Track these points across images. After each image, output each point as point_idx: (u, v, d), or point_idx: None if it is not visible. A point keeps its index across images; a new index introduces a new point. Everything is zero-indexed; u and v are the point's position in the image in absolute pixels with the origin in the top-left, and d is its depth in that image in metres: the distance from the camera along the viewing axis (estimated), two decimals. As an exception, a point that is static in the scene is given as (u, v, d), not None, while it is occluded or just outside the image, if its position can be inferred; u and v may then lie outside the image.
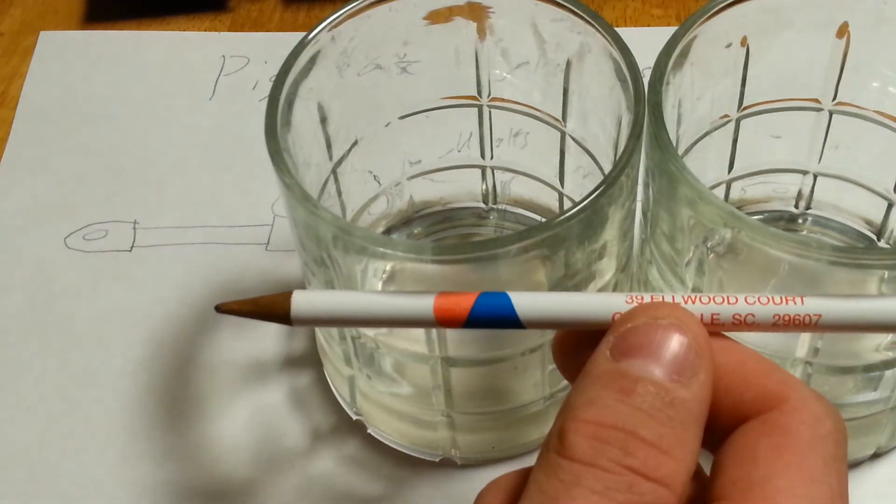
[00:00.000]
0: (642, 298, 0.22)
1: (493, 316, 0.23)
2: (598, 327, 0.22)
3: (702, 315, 0.22)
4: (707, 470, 0.22)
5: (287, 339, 0.39)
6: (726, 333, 0.23)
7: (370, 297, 0.23)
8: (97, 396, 0.38)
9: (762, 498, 0.20)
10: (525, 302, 0.23)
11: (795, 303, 0.23)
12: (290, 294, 0.23)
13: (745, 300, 0.23)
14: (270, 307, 0.23)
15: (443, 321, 0.23)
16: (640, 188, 0.31)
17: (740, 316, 0.22)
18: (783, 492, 0.20)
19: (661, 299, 0.22)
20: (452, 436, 0.35)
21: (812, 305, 0.23)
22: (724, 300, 0.23)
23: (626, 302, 0.22)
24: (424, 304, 0.23)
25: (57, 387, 0.39)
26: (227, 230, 0.43)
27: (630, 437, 0.20)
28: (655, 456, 0.20)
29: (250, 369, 0.39)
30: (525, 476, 0.21)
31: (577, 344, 0.23)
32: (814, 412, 0.21)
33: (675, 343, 0.21)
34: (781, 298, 0.23)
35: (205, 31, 0.50)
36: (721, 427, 0.22)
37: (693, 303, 0.22)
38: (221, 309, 0.23)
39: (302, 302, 0.23)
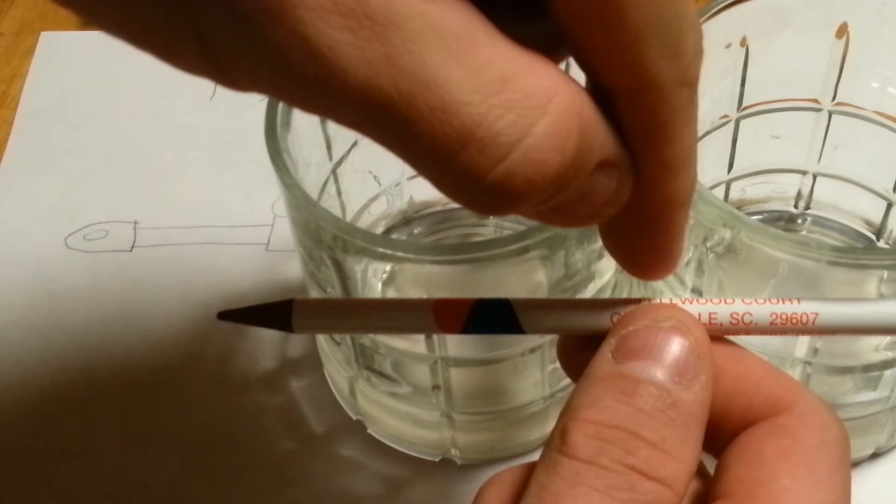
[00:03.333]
0: (641, 302, 0.22)
1: (494, 321, 0.23)
2: (598, 332, 0.22)
3: (700, 315, 0.22)
4: (710, 469, 0.22)
5: (287, 340, 0.39)
6: (732, 340, 0.23)
7: (371, 304, 0.23)
8: (97, 397, 0.38)
9: (768, 497, 0.20)
10: (526, 307, 0.23)
11: (792, 303, 0.23)
12: (291, 301, 0.23)
13: (742, 301, 0.23)
14: (272, 314, 0.23)
15: (444, 327, 0.23)
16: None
17: (738, 315, 0.22)
18: (789, 492, 0.20)
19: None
20: (452, 436, 0.35)
21: (809, 305, 0.23)
22: (721, 301, 0.23)
23: (626, 304, 0.22)
24: (424, 311, 0.23)
25: (56, 387, 0.39)
26: (228, 230, 0.43)
27: (632, 437, 0.20)
28: (657, 456, 0.20)
29: (250, 369, 0.39)
30: (528, 471, 0.21)
31: (582, 346, 0.23)
32: (821, 418, 0.21)
33: (676, 345, 0.21)
34: (778, 300, 0.23)
35: (205, 31, 0.50)
36: (728, 431, 0.22)
37: (691, 303, 0.22)
38: (224, 317, 0.23)
39: (303, 309, 0.23)
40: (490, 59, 0.17)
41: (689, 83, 0.19)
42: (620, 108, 0.19)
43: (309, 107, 0.17)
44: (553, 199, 0.18)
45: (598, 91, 0.19)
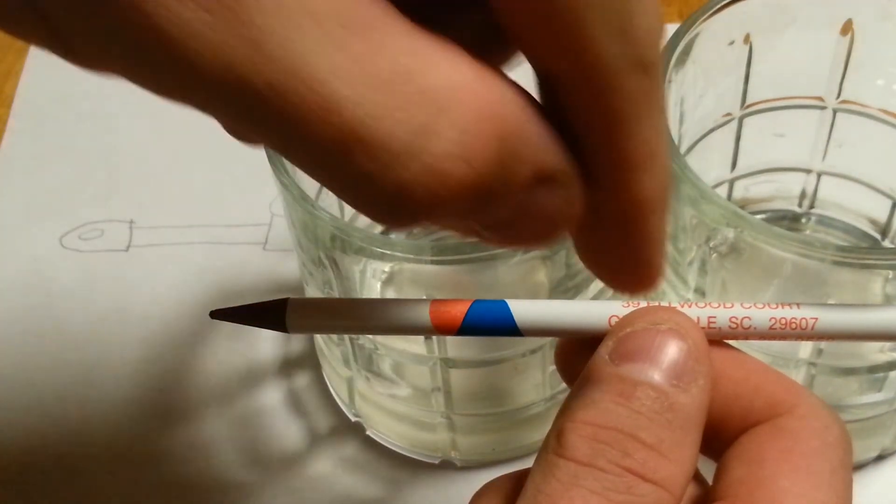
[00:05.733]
0: (639, 305, 0.22)
1: (491, 323, 0.23)
2: (595, 334, 0.22)
3: (698, 318, 0.22)
4: (707, 475, 0.22)
5: (285, 340, 0.39)
6: (732, 343, 0.23)
7: (366, 304, 0.23)
8: (93, 397, 0.38)
9: (767, 498, 0.20)
10: (523, 309, 0.23)
11: (791, 308, 0.22)
12: (285, 300, 0.23)
13: (742, 305, 0.22)
14: (266, 314, 0.23)
15: (440, 328, 0.23)
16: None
17: (737, 319, 0.22)
18: (788, 493, 0.20)
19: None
20: (452, 437, 0.35)
21: (808, 311, 0.22)
22: (720, 305, 0.22)
23: (623, 306, 0.22)
24: (421, 312, 0.23)
25: (52, 388, 0.38)
26: (225, 230, 0.43)
27: (629, 440, 0.20)
28: (654, 458, 0.20)
29: (248, 370, 0.39)
30: (520, 479, 0.21)
31: (579, 351, 0.23)
32: (822, 420, 0.21)
33: (674, 348, 0.21)
34: (777, 304, 0.23)
35: (202, 28, 0.50)
36: (728, 435, 0.22)
37: (689, 307, 0.22)
38: (216, 315, 0.23)
39: (298, 309, 0.23)
40: (382, 47, 0.14)
41: (645, 68, 0.17)
42: (568, 99, 0.17)
43: (172, 96, 0.15)
44: (481, 217, 0.16)
45: (547, 90, 0.17)
